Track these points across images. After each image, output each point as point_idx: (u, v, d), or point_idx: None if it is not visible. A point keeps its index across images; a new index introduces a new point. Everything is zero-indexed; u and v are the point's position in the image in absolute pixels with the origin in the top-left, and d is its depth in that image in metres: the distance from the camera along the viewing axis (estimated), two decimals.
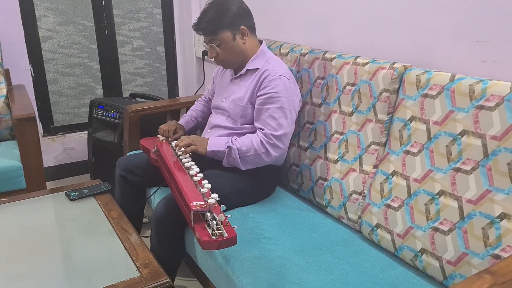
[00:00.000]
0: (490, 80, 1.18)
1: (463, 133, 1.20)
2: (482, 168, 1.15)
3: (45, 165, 2.75)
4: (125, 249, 1.28)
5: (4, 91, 2.35)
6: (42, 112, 2.75)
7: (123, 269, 1.19)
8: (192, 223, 1.28)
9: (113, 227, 1.39)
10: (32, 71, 2.65)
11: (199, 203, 1.28)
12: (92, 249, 1.29)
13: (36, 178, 2.08)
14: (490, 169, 1.14)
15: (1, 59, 2.37)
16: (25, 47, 2.59)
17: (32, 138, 2.06)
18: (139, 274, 1.16)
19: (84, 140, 2.85)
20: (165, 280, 1.14)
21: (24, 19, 2.54)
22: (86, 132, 2.77)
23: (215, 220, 1.25)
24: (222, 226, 1.24)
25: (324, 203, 1.62)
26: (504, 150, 1.11)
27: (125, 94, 2.95)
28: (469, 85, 1.20)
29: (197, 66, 2.91)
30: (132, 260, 1.22)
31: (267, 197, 1.75)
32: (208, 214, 1.27)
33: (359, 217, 1.48)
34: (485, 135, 1.15)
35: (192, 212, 1.26)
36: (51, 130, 2.82)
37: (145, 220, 2.03)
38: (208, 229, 1.24)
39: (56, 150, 2.84)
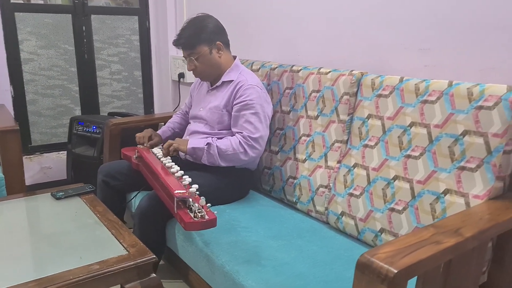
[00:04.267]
0: (432, 79, 1.39)
1: (412, 124, 1.40)
2: (428, 153, 1.34)
3: None
4: (112, 234, 1.38)
5: None
6: (20, 131, 2.79)
7: (112, 248, 1.29)
8: (175, 209, 1.40)
9: (99, 219, 1.49)
10: (12, 91, 2.74)
11: (181, 191, 1.41)
12: (81, 235, 1.39)
13: (17, 189, 2.14)
14: (434, 153, 1.33)
15: None
16: (7, 69, 2.69)
17: (15, 150, 2.13)
18: (127, 252, 1.26)
19: (60, 160, 2.93)
20: (152, 256, 1.25)
21: (7, 42, 2.66)
22: (64, 152, 2.85)
23: (197, 205, 1.38)
24: (203, 209, 1.37)
25: (294, 200, 1.77)
26: (445, 136, 1.31)
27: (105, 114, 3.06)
28: (415, 84, 1.41)
29: (173, 89, 3.07)
30: (120, 242, 1.33)
31: (241, 198, 1.88)
32: (190, 200, 1.40)
33: (326, 209, 1.64)
34: (430, 125, 1.35)
35: (175, 199, 1.39)
36: (28, 149, 2.88)
37: None
38: (190, 213, 1.37)
39: (33, 169, 2.90)
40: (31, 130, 2.88)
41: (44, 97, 2.87)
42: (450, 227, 1.04)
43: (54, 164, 2.95)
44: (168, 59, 3.03)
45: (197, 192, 1.47)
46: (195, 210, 1.35)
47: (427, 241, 0.97)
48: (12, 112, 2.73)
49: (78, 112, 3.00)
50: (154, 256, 1.26)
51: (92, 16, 2.92)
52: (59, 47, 2.86)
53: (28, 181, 2.89)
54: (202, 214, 1.35)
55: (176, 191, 1.40)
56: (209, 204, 1.44)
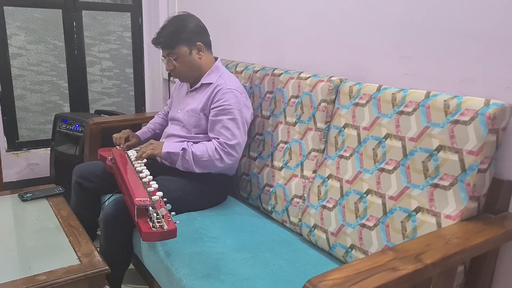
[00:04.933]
0: (410, 89, 1.31)
1: (387, 136, 1.32)
2: (402, 167, 1.27)
3: (8, 179, 2.78)
4: (69, 242, 1.32)
5: None
6: (7, 127, 2.79)
7: (64, 258, 1.24)
8: (135, 217, 1.34)
9: (60, 224, 1.44)
10: None
11: (143, 198, 1.35)
12: (37, 242, 1.34)
13: None
14: (408, 167, 1.25)
15: None
16: None
17: None
18: (79, 262, 1.21)
19: (48, 157, 2.88)
20: (103, 268, 1.19)
21: None
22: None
23: (157, 214, 1.32)
24: (163, 219, 1.31)
25: (270, 209, 1.70)
26: (419, 150, 1.23)
27: (92, 112, 3.02)
28: (392, 93, 1.33)
29: (164, 87, 3.02)
30: (75, 250, 1.27)
31: (218, 204, 1.82)
32: (151, 209, 1.34)
33: (300, 220, 1.56)
34: (405, 137, 1.27)
35: (136, 206, 1.33)
36: (15, 145, 2.85)
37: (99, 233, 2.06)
38: (150, 222, 1.31)
39: (19, 165, 2.86)
40: (19, 125, 2.85)
41: (32, 93, 2.84)
42: (411, 251, 0.96)
43: (42, 160, 2.91)
44: (160, 57, 2.97)
45: (165, 199, 1.42)
46: (154, 220, 1.29)
47: (382, 267, 0.90)
48: None
49: (67, 108, 2.96)
50: (107, 267, 1.20)
51: (83, 12, 2.88)
52: (49, 43, 2.82)
53: (14, 177, 2.87)
54: (161, 224, 1.29)
55: (137, 199, 1.34)
56: (173, 213, 1.38)
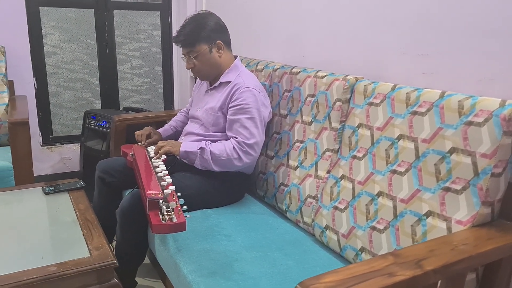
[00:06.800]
0: (425, 88, 1.26)
1: (400, 137, 1.28)
2: (414, 169, 1.23)
3: (41, 173, 2.91)
4: (83, 235, 1.37)
5: (6, 100, 2.52)
6: (42, 122, 2.91)
7: (76, 250, 1.28)
8: (147, 210, 1.37)
9: (77, 217, 1.49)
10: (35, 83, 2.83)
11: (155, 192, 1.38)
12: (53, 234, 1.39)
13: (25, 179, 2.19)
14: (420, 170, 1.21)
15: (6, 70, 2.55)
16: (30, 61, 2.78)
17: (24, 142, 2.19)
18: (89, 255, 1.25)
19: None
20: (111, 261, 1.22)
21: (31, 35, 2.75)
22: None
23: (167, 207, 1.34)
24: (173, 212, 1.33)
25: (284, 208, 1.69)
26: (432, 152, 1.18)
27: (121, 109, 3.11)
28: (406, 93, 1.29)
29: (191, 86, 3.06)
30: (87, 243, 1.31)
31: (235, 202, 1.83)
32: (162, 202, 1.36)
33: (313, 220, 1.55)
34: (417, 139, 1.23)
35: (147, 199, 1.36)
36: (49, 140, 2.97)
37: None
38: (160, 215, 1.33)
39: (53, 159, 2.98)
40: (53, 121, 2.97)
41: (66, 90, 2.95)
42: (413, 256, 0.93)
43: (74, 155, 3.02)
44: None
45: (179, 194, 1.44)
46: (163, 212, 1.31)
47: (379, 272, 0.87)
48: (33, 104, 2.83)
49: (98, 105, 3.05)
50: (114, 261, 1.23)
51: (114, 11, 2.96)
52: (81, 41, 2.92)
53: (48, 171, 2.99)
54: (171, 217, 1.31)
55: (149, 192, 1.37)
56: (185, 207, 1.40)
